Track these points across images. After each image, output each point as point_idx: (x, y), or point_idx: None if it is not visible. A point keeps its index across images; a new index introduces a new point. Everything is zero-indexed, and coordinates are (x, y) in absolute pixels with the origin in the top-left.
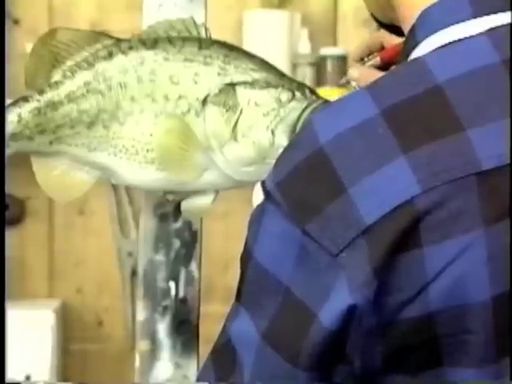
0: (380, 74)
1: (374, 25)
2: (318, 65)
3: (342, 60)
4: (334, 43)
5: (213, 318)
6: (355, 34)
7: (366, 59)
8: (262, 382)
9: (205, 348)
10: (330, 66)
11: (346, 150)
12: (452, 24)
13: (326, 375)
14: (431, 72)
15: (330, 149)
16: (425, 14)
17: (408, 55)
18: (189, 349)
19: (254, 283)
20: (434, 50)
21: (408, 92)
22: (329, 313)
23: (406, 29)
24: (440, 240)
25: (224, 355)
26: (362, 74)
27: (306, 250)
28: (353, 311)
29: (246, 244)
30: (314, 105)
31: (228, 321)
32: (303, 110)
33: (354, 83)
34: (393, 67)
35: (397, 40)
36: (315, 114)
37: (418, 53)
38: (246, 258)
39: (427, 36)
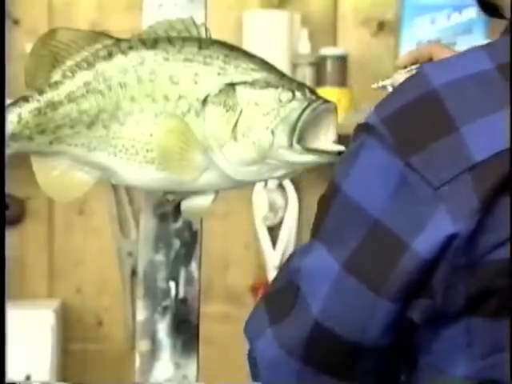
0: None
1: (375, 25)
2: (318, 65)
3: (342, 60)
4: (334, 43)
5: (213, 318)
6: (355, 34)
7: (408, 68)
8: (335, 313)
9: (205, 348)
10: (329, 65)
11: (460, 93)
12: None
13: (405, 307)
14: None
15: (443, 91)
16: None
17: None
18: (189, 349)
19: (336, 217)
20: None
21: None
22: (425, 242)
23: None
24: None
25: (282, 296)
26: None
27: (405, 182)
28: (451, 241)
29: (332, 182)
30: (314, 105)
31: (295, 259)
32: (303, 110)
33: (390, 88)
34: None
35: (446, 54)
36: (426, 66)
37: None
38: (332, 194)
39: None
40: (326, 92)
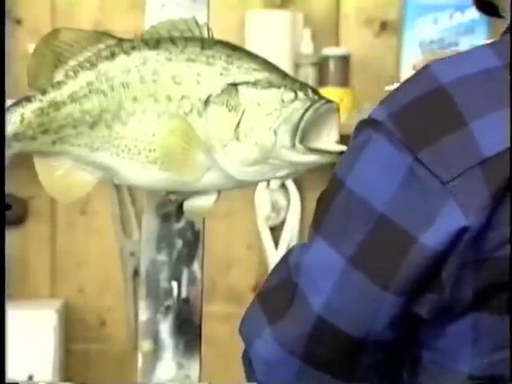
0: None
1: (377, 25)
2: (321, 65)
3: (345, 60)
4: (337, 43)
5: (215, 318)
6: (357, 34)
7: None
8: (340, 307)
9: (207, 348)
10: (332, 65)
11: (468, 89)
12: None
13: (412, 302)
14: None
15: (451, 87)
16: None
17: None
18: (191, 349)
19: (339, 212)
20: None
21: None
22: (435, 235)
23: None
24: None
25: (278, 294)
26: None
27: (414, 176)
28: (462, 234)
29: (334, 178)
30: (317, 105)
31: (293, 256)
32: (306, 110)
33: None
34: None
35: None
36: (431, 64)
37: None
38: (334, 189)
39: None
40: (328, 92)
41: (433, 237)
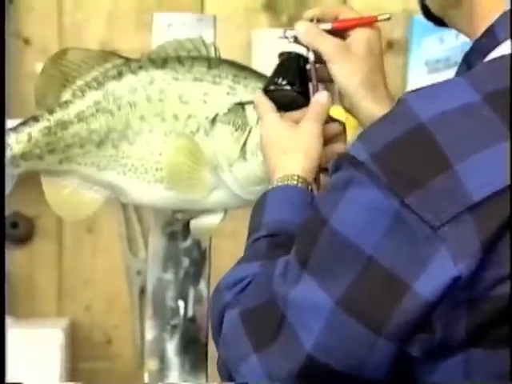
0: (328, 36)
1: (383, 44)
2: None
3: None
4: None
5: None
6: None
7: (314, 21)
8: (330, 348)
9: (214, 367)
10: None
11: (450, 127)
12: None
13: (403, 345)
14: None
15: (432, 126)
16: (506, 17)
17: (486, 53)
18: (197, 368)
19: (325, 251)
20: None
21: (507, 81)
22: (429, 285)
23: (476, 28)
24: None
25: (263, 319)
26: (310, 31)
27: (402, 222)
28: (455, 283)
29: (317, 211)
30: None
31: (279, 283)
32: None
33: (290, 38)
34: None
35: (352, 15)
36: (408, 95)
37: (500, 51)
38: (318, 224)
39: (508, 38)
40: (334, 110)
41: (426, 286)
